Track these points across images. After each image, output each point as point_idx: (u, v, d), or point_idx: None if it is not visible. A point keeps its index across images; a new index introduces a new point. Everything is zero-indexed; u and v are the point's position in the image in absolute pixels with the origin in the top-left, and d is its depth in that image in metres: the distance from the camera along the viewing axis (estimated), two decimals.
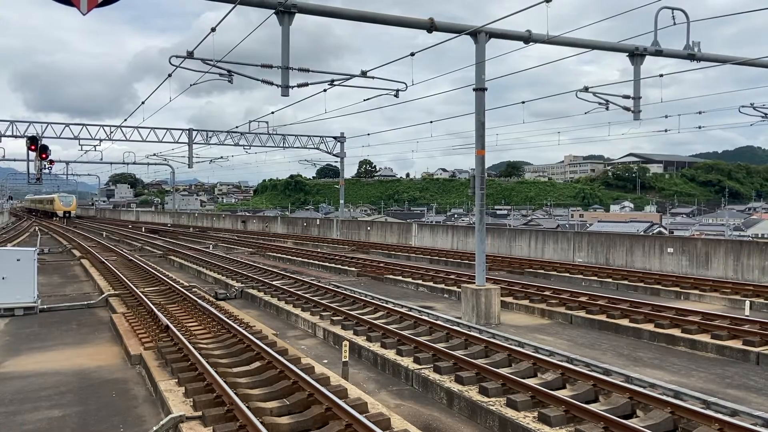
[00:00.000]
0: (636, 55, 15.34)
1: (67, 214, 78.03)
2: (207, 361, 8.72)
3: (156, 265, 23.29)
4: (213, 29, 12.08)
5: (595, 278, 19.40)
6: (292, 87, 12.52)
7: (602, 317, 13.20)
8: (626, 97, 16.08)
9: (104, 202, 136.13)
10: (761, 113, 18.78)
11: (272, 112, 33.98)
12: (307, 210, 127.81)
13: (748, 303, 14.26)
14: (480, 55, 13.64)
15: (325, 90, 15.09)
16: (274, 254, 29.56)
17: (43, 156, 28.75)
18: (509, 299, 15.48)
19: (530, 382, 8.20)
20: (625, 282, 18.44)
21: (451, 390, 8.35)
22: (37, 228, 53.31)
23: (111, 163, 62.29)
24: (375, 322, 12.19)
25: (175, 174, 72.03)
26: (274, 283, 18.13)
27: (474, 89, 13.97)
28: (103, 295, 16.03)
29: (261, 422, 6.58)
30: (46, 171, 39.70)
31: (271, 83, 12.87)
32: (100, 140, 40.70)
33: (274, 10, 11.84)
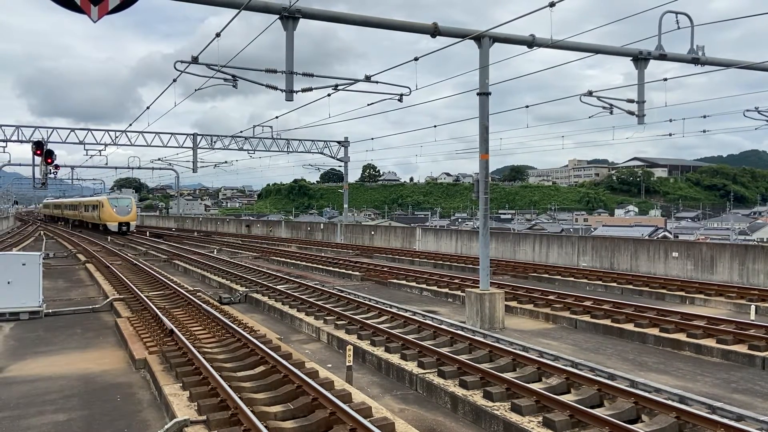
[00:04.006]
0: (640, 59, 15.34)
1: (124, 227, 48.98)
2: (211, 365, 8.72)
3: (160, 269, 23.33)
4: (218, 34, 12.13)
5: (600, 282, 19.36)
6: (297, 92, 12.57)
7: (607, 322, 13.16)
8: (630, 101, 16.06)
9: None
10: (766, 117, 18.74)
11: (276, 117, 34.29)
12: (311, 214, 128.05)
13: (753, 307, 14.20)
14: (484, 59, 13.66)
15: (329, 94, 15.14)
16: (278, 258, 29.58)
17: (49, 161, 28.95)
18: (513, 304, 15.45)
19: (535, 386, 8.18)
20: (630, 286, 18.39)
21: (456, 394, 8.33)
22: (42, 233, 53.49)
23: (116, 168, 62.59)
24: (379, 326, 12.18)
25: (179, 178, 72.37)
26: (278, 287, 18.14)
27: (478, 93, 14.00)
28: (107, 300, 16.06)
29: (265, 426, 6.58)
30: (52, 176, 39.85)
31: (276, 88, 12.92)
32: (105, 145, 41.01)
33: (278, 16, 11.89)
